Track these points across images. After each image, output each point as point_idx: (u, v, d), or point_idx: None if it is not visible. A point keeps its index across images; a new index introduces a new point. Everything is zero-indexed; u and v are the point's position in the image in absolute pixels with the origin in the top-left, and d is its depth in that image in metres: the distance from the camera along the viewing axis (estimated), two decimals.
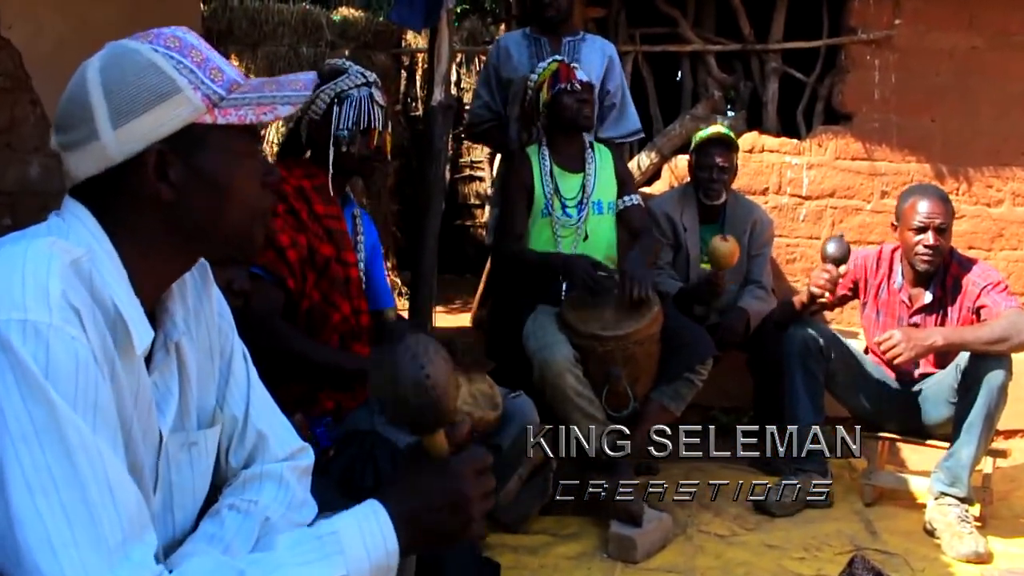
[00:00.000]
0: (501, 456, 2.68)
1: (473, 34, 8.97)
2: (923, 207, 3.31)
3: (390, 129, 2.68)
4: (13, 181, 3.12)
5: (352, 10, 7.43)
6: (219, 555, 1.13)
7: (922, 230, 3.30)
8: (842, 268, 3.32)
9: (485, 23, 8.81)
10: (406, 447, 1.24)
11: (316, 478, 1.74)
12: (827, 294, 3.30)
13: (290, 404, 2.50)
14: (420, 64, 8.65)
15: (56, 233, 1.16)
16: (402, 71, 8.38)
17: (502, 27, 7.31)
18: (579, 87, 3.44)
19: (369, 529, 1.17)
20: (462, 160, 9.36)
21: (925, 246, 3.30)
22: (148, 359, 1.24)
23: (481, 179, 9.28)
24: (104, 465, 1.05)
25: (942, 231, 3.28)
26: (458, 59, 9.07)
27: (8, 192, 3.10)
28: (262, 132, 1.26)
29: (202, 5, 7.23)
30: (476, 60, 9.06)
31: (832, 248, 3.29)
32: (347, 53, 7.15)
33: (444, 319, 6.93)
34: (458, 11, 9.74)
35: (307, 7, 7.55)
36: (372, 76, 2.66)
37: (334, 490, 1.87)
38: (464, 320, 6.70)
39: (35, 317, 1.03)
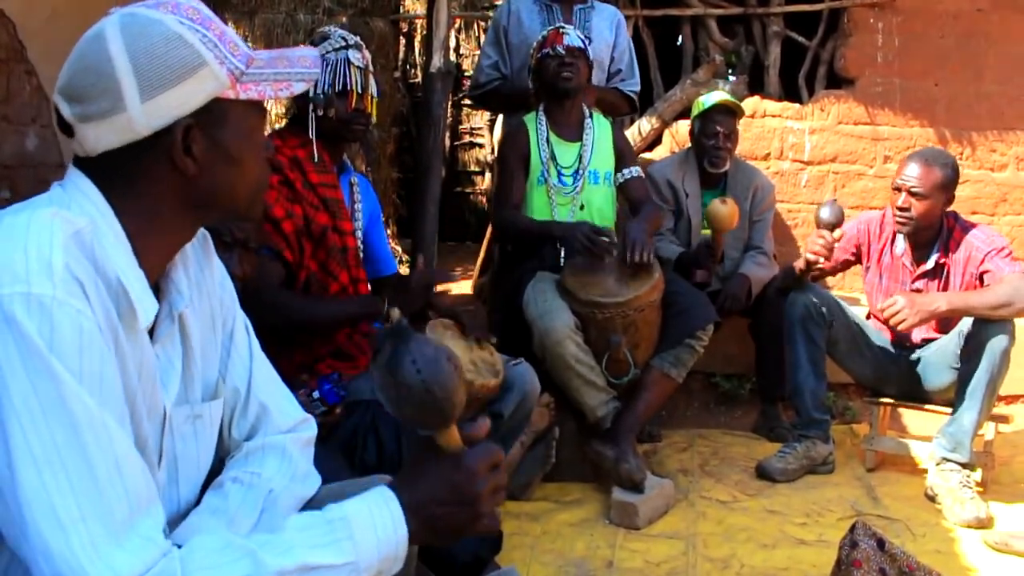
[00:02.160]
0: (502, 423, 2.68)
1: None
2: (904, 168, 3.32)
3: (373, 90, 2.65)
4: (10, 154, 3.10)
5: None
6: (226, 533, 1.12)
7: (897, 190, 3.32)
8: (836, 232, 3.30)
9: None
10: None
11: (320, 447, 1.74)
12: (823, 260, 3.28)
13: (292, 373, 2.52)
14: (419, 30, 8.58)
15: (58, 204, 1.15)
16: (400, 37, 8.29)
17: None
18: (562, 51, 3.41)
19: (380, 516, 1.16)
20: (462, 127, 9.31)
21: (896, 207, 3.30)
22: (151, 332, 1.24)
23: (481, 146, 9.23)
24: (111, 439, 1.04)
25: (916, 195, 3.27)
26: (457, 25, 9.00)
27: (5, 165, 3.08)
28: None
29: None
30: (475, 26, 8.99)
31: (825, 213, 3.27)
32: (344, 20, 7.07)
33: (445, 287, 6.92)
34: None
35: None
36: (353, 39, 2.64)
37: (339, 459, 1.87)
38: (465, 288, 6.68)
39: (39, 290, 1.02)
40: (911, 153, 3.41)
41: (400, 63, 8.22)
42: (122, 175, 1.18)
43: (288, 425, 1.47)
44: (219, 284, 1.41)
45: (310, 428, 1.51)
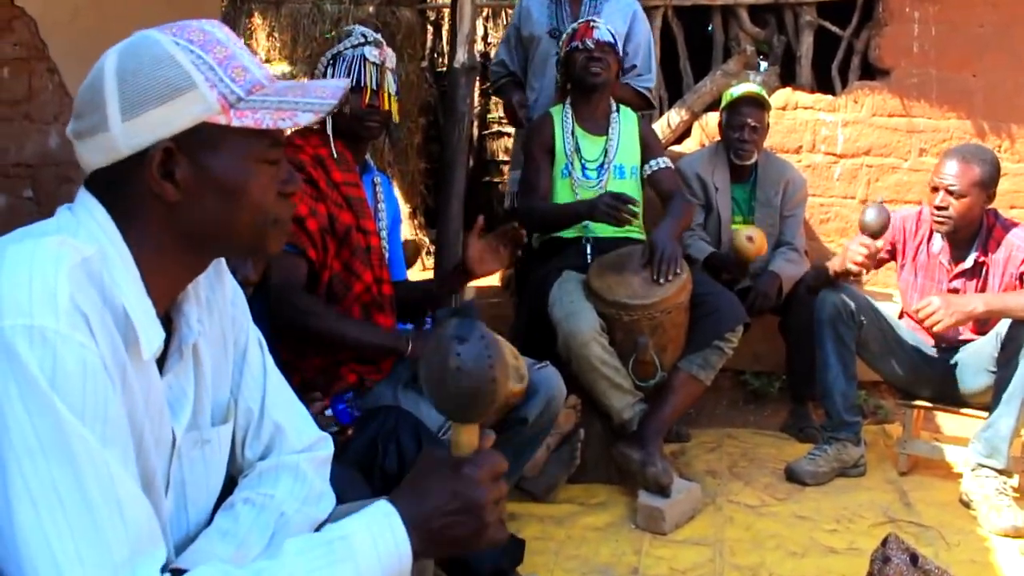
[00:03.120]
0: (526, 428, 2.64)
1: None
2: (942, 166, 3.22)
3: (390, 88, 2.61)
4: (32, 152, 3.10)
5: None
6: (225, 566, 1.09)
7: (935, 189, 3.22)
8: (880, 242, 3.20)
9: None
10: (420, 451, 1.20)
11: (335, 464, 1.71)
12: (864, 270, 3.20)
13: (313, 376, 2.49)
14: (447, 19, 8.50)
15: (66, 230, 1.12)
16: (428, 26, 8.23)
17: None
18: (591, 45, 3.37)
19: (381, 533, 1.13)
20: (490, 116, 9.22)
21: (933, 206, 3.21)
22: (162, 359, 1.21)
23: (509, 135, 9.14)
24: (112, 479, 1.01)
25: (954, 194, 3.17)
26: (484, 13, 8.92)
27: (28, 164, 3.08)
28: (282, 139, 1.19)
29: None
30: (503, 14, 8.90)
31: (871, 216, 3.14)
32: (371, 9, 7.04)
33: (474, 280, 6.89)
34: None
35: None
36: (372, 36, 2.61)
37: (354, 474, 1.83)
38: (493, 280, 6.64)
39: (42, 323, 0.98)
40: (948, 150, 3.32)
41: (428, 52, 8.16)
42: (122, 198, 1.14)
43: (303, 444, 1.43)
44: (231, 302, 1.38)
45: (326, 447, 1.48)
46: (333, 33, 6.99)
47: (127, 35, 3.47)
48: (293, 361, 2.54)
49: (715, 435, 3.85)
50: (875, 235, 3.15)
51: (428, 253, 6.80)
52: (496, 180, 9.32)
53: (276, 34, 7.08)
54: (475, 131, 9.12)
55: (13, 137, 3.09)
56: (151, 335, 1.13)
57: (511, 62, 4.08)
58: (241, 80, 1.14)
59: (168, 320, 1.23)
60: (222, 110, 1.12)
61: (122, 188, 1.14)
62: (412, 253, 6.31)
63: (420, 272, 6.46)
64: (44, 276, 1.01)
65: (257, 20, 7.10)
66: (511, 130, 9.04)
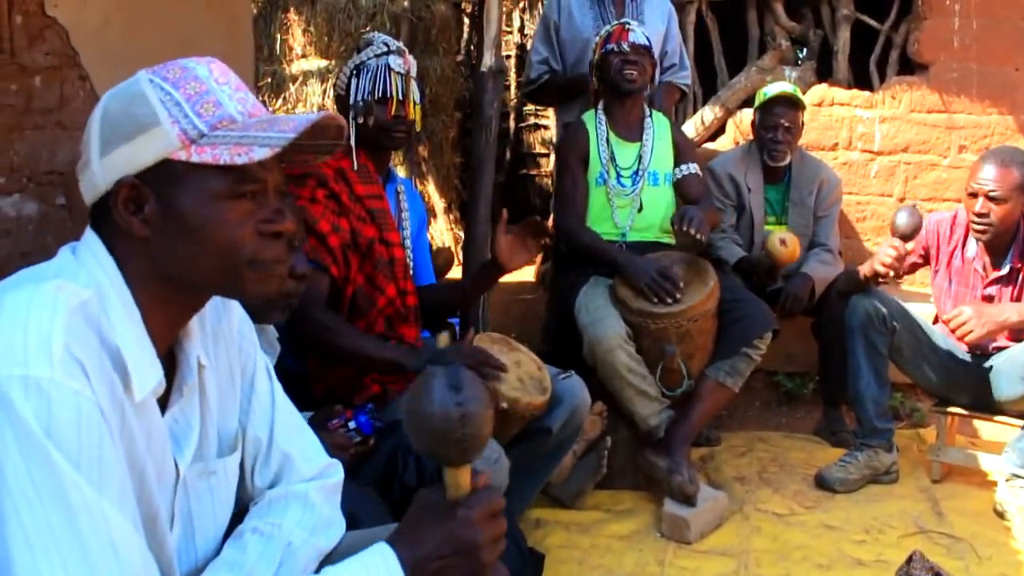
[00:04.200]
0: (551, 438, 2.64)
1: None
2: (979, 171, 3.14)
3: (415, 96, 2.59)
4: (64, 160, 3.13)
5: None
6: None
7: (973, 196, 3.14)
8: (910, 245, 3.14)
9: None
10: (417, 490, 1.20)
11: (352, 482, 1.72)
12: (892, 272, 3.14)
13: (337, 385, 2.51)
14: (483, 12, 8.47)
15: (65, 272, 1.14)
16: (464, 18, 8.22)
17: None
18: (627, 48, 3.32)
19: None
20: (526, 109, 9.20)
21: (974, 213, 3.13)
22: (167, 391, 1.22)
23: (546, 127, 9.11)
24: (106, 522, 1.02)
25: (995, 199, 3.10)
26: (521, 4, 8.88)
27: (60, 172, 3.11)
28: (259, 174, 1.16)
29: None
30: (540, 4, 8.86)
31: (902, 219, 3.10)
32: (406, 4, 7.04)
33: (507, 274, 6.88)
34: None
35: None
36: (395, 44, 2.59)
37: (371, 493, 1.84)
38: (528, 274, 6.64)
39: (37, 372, 1.00)
40: (983, 154, 3.25)
41: (464, 46, 8.15)
42: (114, 236, 1.16)
43: (312, 472, 1.44)
44: (238, 332, 1.39)
45: (336, 473, 1.49)
46: (368, 28, 7.01)
47: (158, 41, 3.54)
48: (319, 370, 2.56)
49: (746, 439, 3.82)
50: (906, 238, 3.10)
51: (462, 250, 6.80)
52: (533, 173, 9.32)
53: (311, 29, 7.10)
54: (512, 124, 9.12)
55: (46, 144, 3.13)
56: (145, 377, 1.14)
57: (555, 60, 3.99)
58: (208, 115, 1.14)
59: (172, 354, 1.25)
60: (183, 146, 1.12)
61: (113, 226, 1.16)
62: (446, 262, 6.30)
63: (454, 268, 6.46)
64: (40, 324, 1.02)
65: (292, 16, 7.13)
66: (548, 122, 9.05)
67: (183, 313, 1.23)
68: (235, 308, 1.40)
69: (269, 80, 7.15)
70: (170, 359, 1.24)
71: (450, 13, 7.24)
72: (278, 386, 1.47)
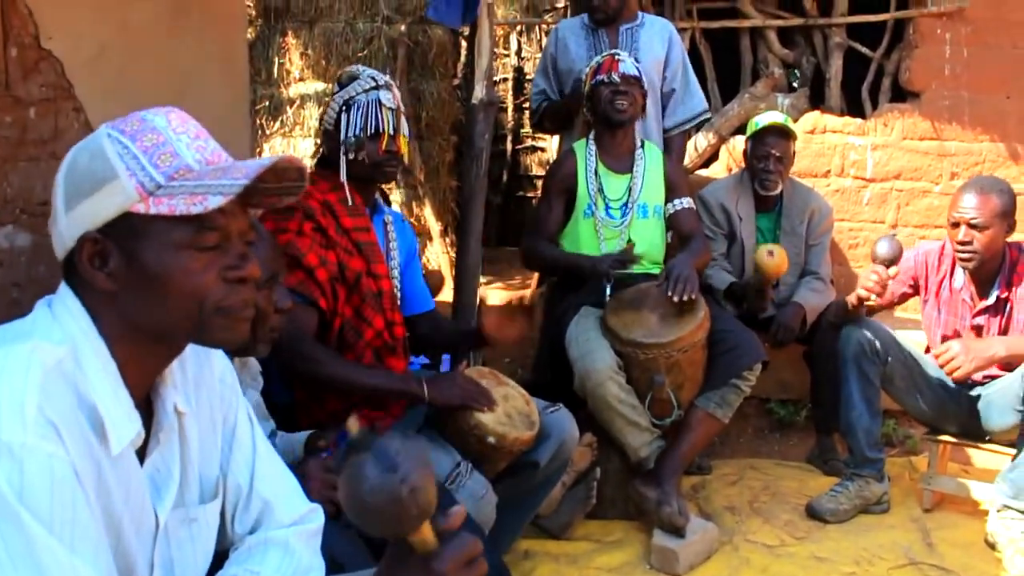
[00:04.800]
0: (538, 472, 2.64)
1: (533, 2, 8.82)
2: (960, 200, 3.17)
3: (404, 131, 2.61)
4: None
5: None
6: None
7: (955, 225, 3.16)
8: (892, 270, 3.17)
9: None
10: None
11: (336, 525, 1.72)
12: (875, 296, 3.16)
13: (324, 420, 2.51)
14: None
15: (40, 330, 1.15)
16: (462, 42, 8.27)
17: None
18: (617, 79, 3.34)
19: None
20: (523, 131, 9.25)
21: (957, 242, 3.15)
22: (147, 443, 1.23)
23: (543, 149, 9.17)
24: None
25: (976, 227, 3.11)
26: (519, 28, 8.95)
27: None
28: (220, 222, 1.16)
29: None
30: (537, 29, 8.92)
31: (882, 248, 3.14)
32: (403, 28, 7.07)
33: (503, 295, 6.90)
34: None
35: None
36: (383, 79, 2.60)
37: (353, 536, 1.84)
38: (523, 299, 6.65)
39: (9, 437, 1.01)
40: (963, 184, 3.27)
41: (461, 70, 8.19)
42: (85, 290, 1.17)
43: (292, 518, 1.45)
44: (219, 379, 1.40)
45: (316, 519, 1.49)
46: (366, 52, 7.05)
47: (153, 71, 3.53)
48: (307, 403, 2.57)
49: (738, 466, 3.82)
50: (887, 263, 3.13)
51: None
52: (530, 195, 9.36)
53: (309, 53, 7.14)
54: (508, 146, 9.17)
55: (40, 176, 3.14)
56: (122, 430, 1.15)
57: (552, 91, 4.03)
58: (165, 166, 1.14)
59: (150, 401, 1.26)
60: (141, 199, 1.13)
61: (82, 280, 1.17)
62: (435, 286, 6.31)
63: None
64: (12, 388, 1.04)
65: (291, 40, 7.17)
66: (544, 144, 9.10)
67: (159, 361, 1.24)
68: (218, 356, 1.41)
69: (267, 103, 7.19)
70: (148, 406, 1.25)
71: (447, 38, 7.27)
72: (259, 432, 1.47)
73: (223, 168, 1.16)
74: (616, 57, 3.42)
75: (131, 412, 1.17)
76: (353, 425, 1.23)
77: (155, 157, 1.15)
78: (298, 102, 7.16)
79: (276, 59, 7.18)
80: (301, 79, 7.24)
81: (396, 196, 7.12)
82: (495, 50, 8.88)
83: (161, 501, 1.25)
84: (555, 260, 3.36)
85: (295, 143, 7.15)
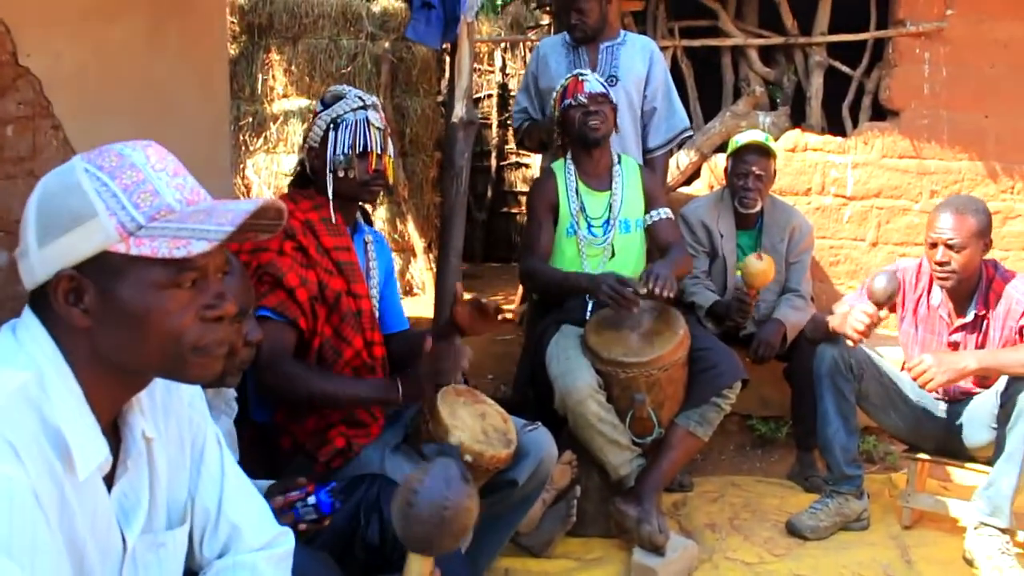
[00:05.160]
0: (516, 490, 2.64)
1: (517, 19, 8.86)
2: (936, 221, 3.18)
3: (391, 150, 2.62)
4: None
5: (392, 0, 7.36)
6: None
7: (933, 245, 3.18)
8: (884, 312, 3.16)
9: (529, 8, 8.65)
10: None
11: (307, 548, 1.71)
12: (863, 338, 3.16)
13: (304, 439, 2.50)
14: None
15: (3, 353, 1.14)
16: (446, 59, 8.29)
17: (546, 13, 7.19)
18: (584, 100, 3.35)
19: None
20: (508, 147, 9.27)
21: (935, 262, 3.17)
22: (115, 466, 1.23)
23: (527, 165, 9.19)
24: None
25: (954, 247, 3.13)
26: (503, 45, 8.98)
27: None
28: (199, 261, 1.20)
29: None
30: (521, 45, 8.96)
31: (879, 285, 3.08)
32: (387, 45, 7.10)
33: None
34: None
35: None
36: (370, 99, 2.60)
37: (326, 560, 1.83)
38: (507, 314, 6.66)
39: None
40: (939, 205, 3.28)
41: (444, 87, 8.22)
42: (54, 320, 1.16)
43: (261, 542, 1.45)
44: (188, 404, 1.39)
45: (286, 542, 1.49)
46: (350, 68, 7.06)
47: (133, 89, 3.53)
48: (286, 423, 2.56)
49: (719, 483, 3.82)
50: (880, 304, 3.11)
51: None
52: (515, 211, 9.38)
53: (293, 69, 7.16)
54: (493, 162, 9.19)
55: (17, 195, 3.13)
56: (89, 455, 1.14)
57: (533, 110, 4.05)
58: (146, 206, 1.14)
59: (117, 428, 1.25)
60: (121, 238, 1.12)
61: (53, 310, 1.15)
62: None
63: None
64: None
65: (274, 56, 7.18)
66: (529, 160, 9.13)
67: (126, 391, 1.23)
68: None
69: (251, 119, 7.19)
70: (115, 432, 1.25)
71: (431, 55, 7.31)
72: (228, 455, 1.47)
73: (205, 211, 1.15)
74: (580, 78, 3.43)
75: (98, 438, 1.16)
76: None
77: (135, 196, 1.14)
78: (282, 118, 7.17)
79: (260, 75, 7.19)
80: (285, 95, 7.26)
81: (380, 212, 7.13)
82: (479, 67, 8.99)
83: (129, 526, 1.25)
84: (555, 281, 3.31)
85: (278, 159, 7.15)
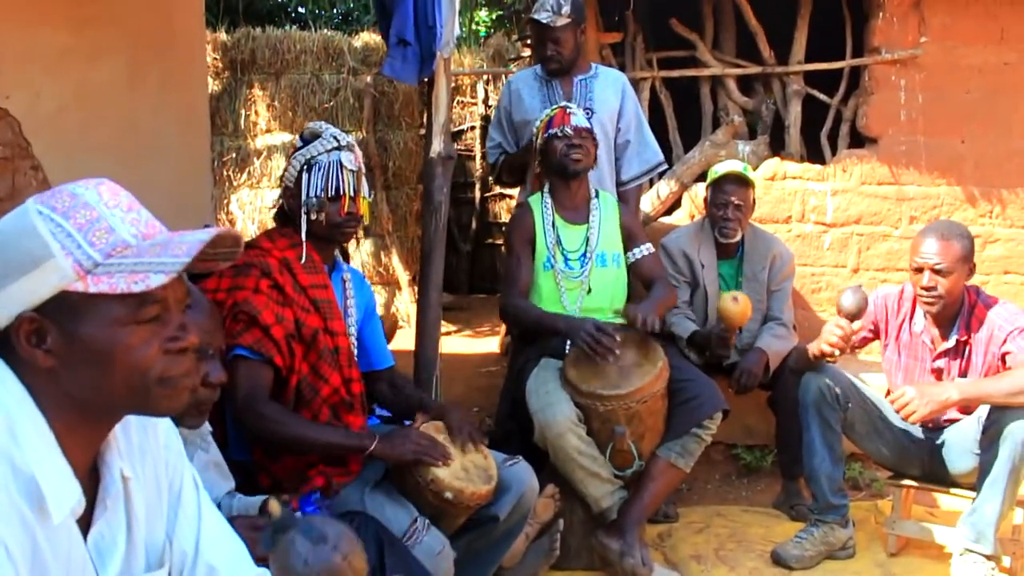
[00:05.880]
0: (498, 525, 2.63)
1: (499, 51, 8.92)
2: (921, 246, 3.19)
3: (365, 191, 2.63)
4: None
5: (374, 35, 7.41)
6: None
7: (919, 271, 3.20)
8: (856, 324, 3.18)
9: (511, 40, 8.72)
10: None
11: None
12: (839, 351, 3.17)
13: (283, 477, 2.49)
14: None
15: None
16: (425, 93, 8.35)
17: (526, 46, 7.24)
18: (570, 132, 3.36)
19: None
20: (491, 178, 9.29)
21: (921, 287, 3.19)
22: (91, 509, 1.22)
23: (512, 196, 9.20)
24: None
25: (940, 272, 3.15)
26: (485, 77, 9.03)
27: None
28: (160, 294, 1.17)
29: (224, 35, 7.28)
30: (503, 78, 9.01)
31: (847, 300, 3.13)
32: (368, 79, 7.14)
33: (471, 344, 6.89)
34: (484, 31, 9.69)
35: (328, 33, 7.56)
36: (345, 139, 2.61)
37: None
38: (492, 345, 6.65)
39: None
40: (923, 230, 3.30)
41: (427, 120, 8.26)
42: (22, 363, 1.15)
43: None
44: (164, 446, 1.38)
45: None
46: (332, 103, 7.09)
47: (113, 127, 3.54)
48: (264, 461, 2.55)
49: (704, 514, 3.81)
50: (851, 317, 3.13)
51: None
52: (498, 242, 9.39)
53: (276, 104, 7.19)
54: (477, 193, 9.22)
55: None
56: (62, 500, 1.13)
57: (507, 144, 4.06)
58: (101, 243, 1.14)
59: (95, 469, 1.24)
60: (79, 277, 1.12)
61: (17, 354, 1.15)
62: (388, 329, 6.29)
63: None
64: None
65: (257, 91, 7.21)
66: (513, 192, 9.15)
67: (99, 431, 1.23)
68: (162, 422, 1.40)
69: (234, 155, 7.21)
70: (92, 476, 1.24)
71: (413, 88, 7.33)
72: (205, 497, 1.46)
73: (162, 244, 1.16)
74: (568, 110, 3.45)
75: (71, 481, 1.15)
76: (274, 507, 1.23)
77: (90, 234, 1.13)
78: (265, 153, 7.19)
79: (243, 111, 7.22)
80: (268, 130, 7.28)
81: (365, 246, 7.14)
82: (462, 99, 9.03)
83: (105, 570, 1.23)
84: (534, 321, 3.31)
85: (262, 194, 7.16)
